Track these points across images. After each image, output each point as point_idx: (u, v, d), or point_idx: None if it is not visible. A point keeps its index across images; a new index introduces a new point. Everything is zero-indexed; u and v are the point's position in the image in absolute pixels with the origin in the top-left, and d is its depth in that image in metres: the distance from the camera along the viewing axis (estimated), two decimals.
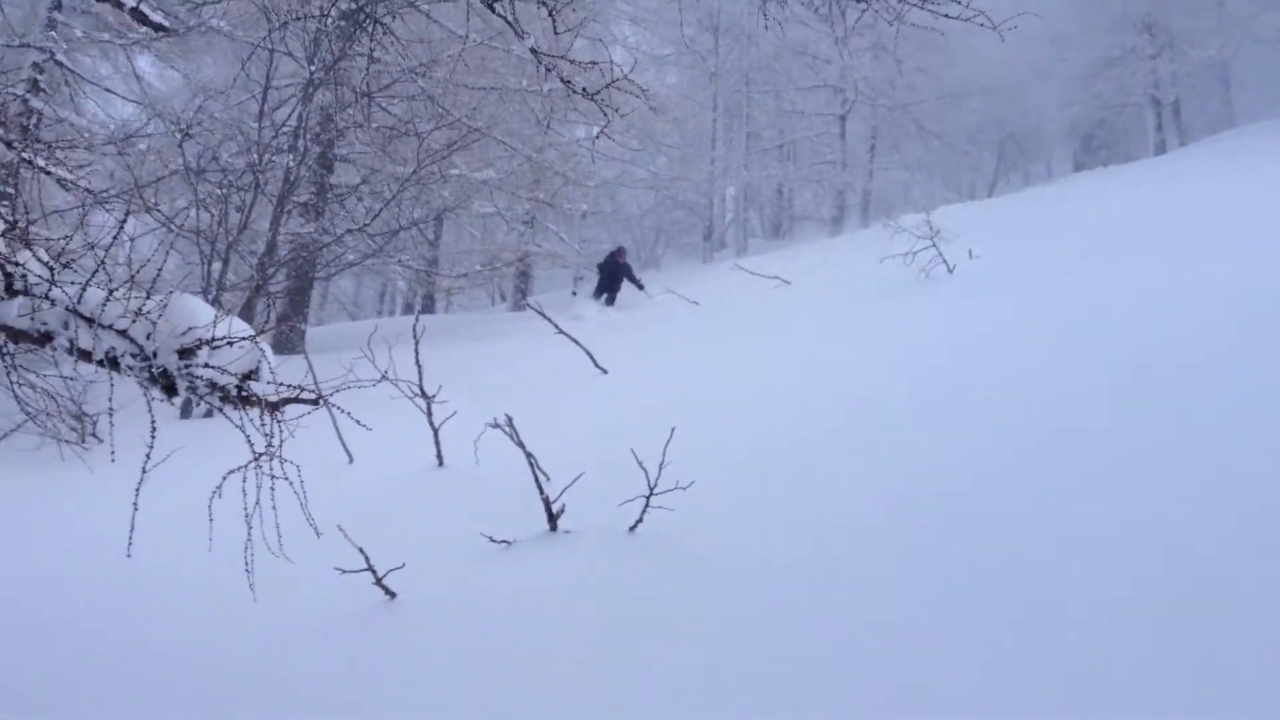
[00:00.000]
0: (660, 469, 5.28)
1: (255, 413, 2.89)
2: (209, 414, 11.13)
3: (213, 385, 2.83)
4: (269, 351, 2.94)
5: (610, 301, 20.13)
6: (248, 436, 2.87)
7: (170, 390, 2.82)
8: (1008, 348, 8.07)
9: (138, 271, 2.92)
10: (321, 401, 3.03)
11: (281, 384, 2.94)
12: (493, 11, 5.08)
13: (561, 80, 5.59)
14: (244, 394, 2.86)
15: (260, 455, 2.87)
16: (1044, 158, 57.41)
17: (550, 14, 5.36)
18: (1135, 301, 8.52)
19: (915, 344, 9.25)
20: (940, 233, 14.58)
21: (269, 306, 14.60)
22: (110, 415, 2.88)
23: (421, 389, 7.56)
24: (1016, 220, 19.49)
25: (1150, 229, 13.41)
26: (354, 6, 13.83)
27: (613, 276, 20.55)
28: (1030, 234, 16.48)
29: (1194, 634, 3.43)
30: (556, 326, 11.56)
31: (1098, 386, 6.31)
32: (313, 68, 14.47)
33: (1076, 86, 42.17)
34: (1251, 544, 3.89)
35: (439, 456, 7.38)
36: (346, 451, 8.03)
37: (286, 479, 2.88)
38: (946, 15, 5.53)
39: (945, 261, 14.06)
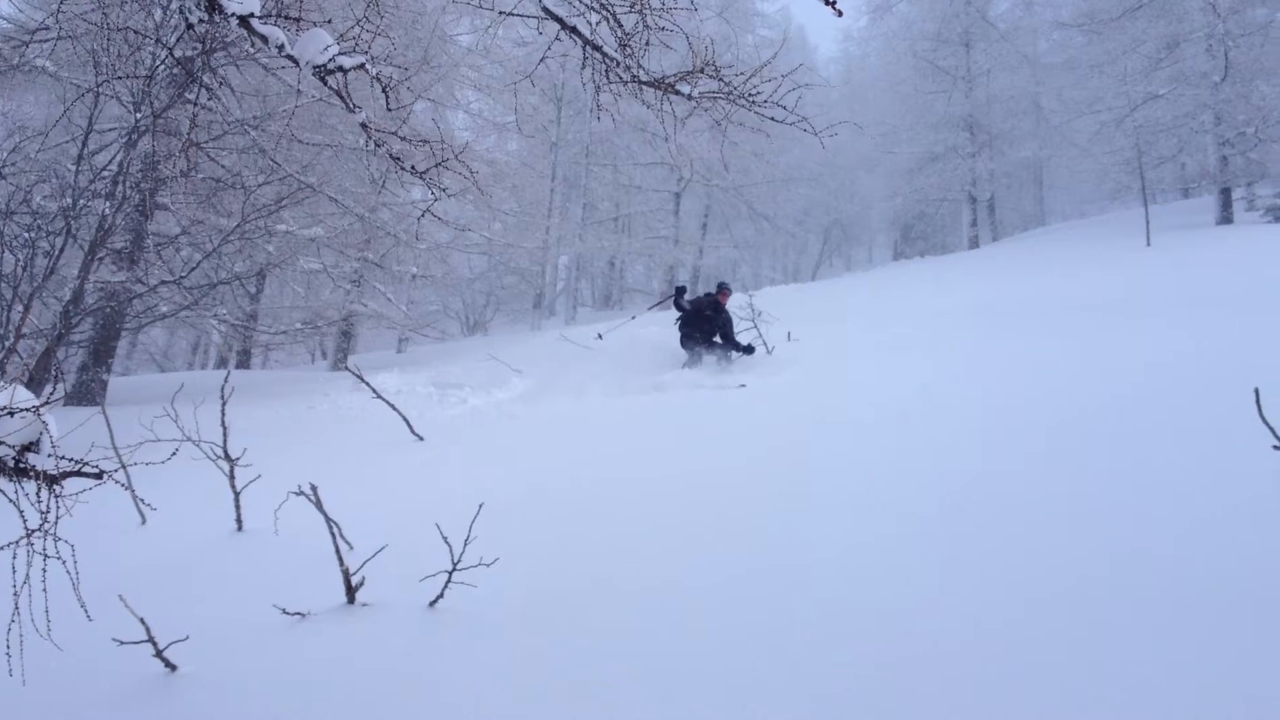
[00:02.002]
0: (465, 544, 5.27)
1: (33, 486, 2.80)
2: None
3: None
4: (52, 424, 2.86)
5: (726, 355, 14.71)
6: (21, 512, 2.79)
7: None
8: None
9: None
10: (106, 477, 2.95)
11: (64, 457, 2.87)
12: (324, 84, 5.03)
13: (391, 157, 5.59)
14: (21, 467, 2.77)
15: (34, 532, 2.78)
16: (866, 244, 59.91)
17: (384, 90, 5.37)
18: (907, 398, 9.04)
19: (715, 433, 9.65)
20: (762, 314, 15.05)
21: (57, 362, 13.95)
22: None
23: (225, 451, 7.38)
24: (836, 305, 20.23)
25: (950, 322, 14.23)
26: (187, 56, 13.53)
27: (710, 324, 14.91)
28: (847, 320, 17.16)
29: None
30: (374, 390, 11.43)
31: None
32: (139, 114, 14.07)
33: (900, 179, 44.19)
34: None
35: (239, 521, 7.19)
36: (139, 512, 7.74)
37: (60, 559, 2.80)
38: (772, 119, 5.74)
39: (765, 343, 14.50)
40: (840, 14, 4.33)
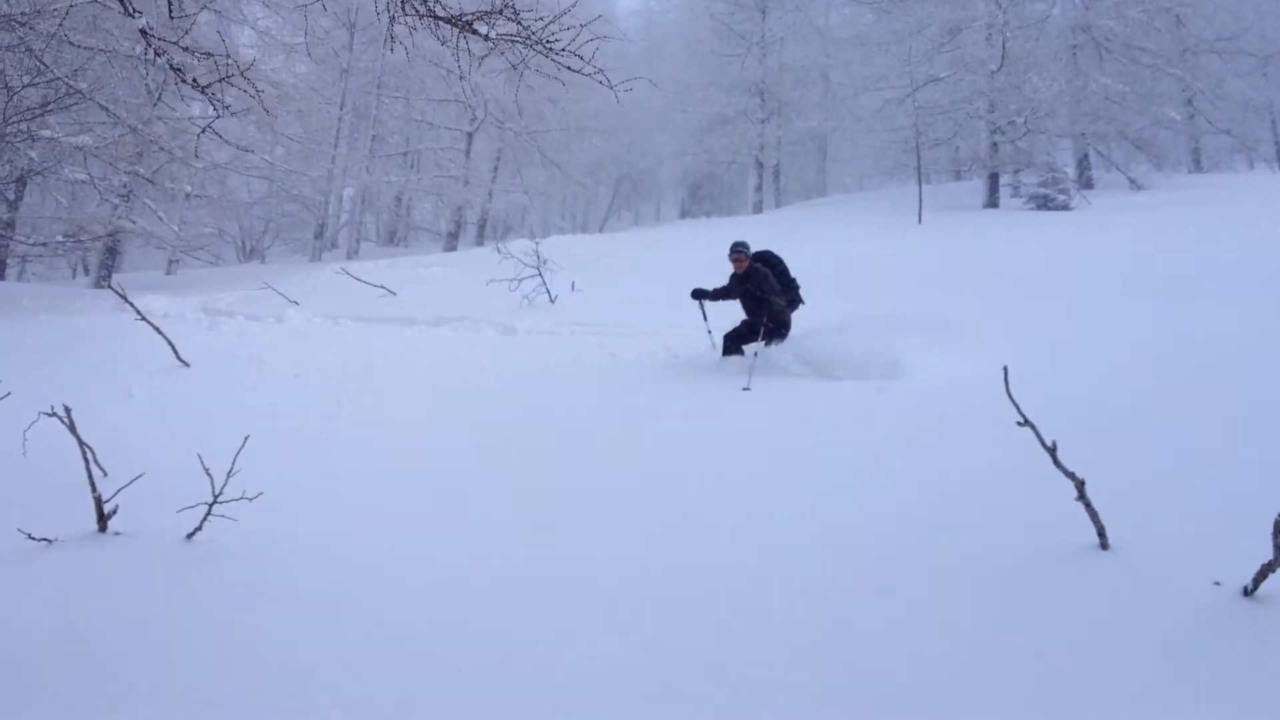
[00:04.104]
0: (229, 477, 5.15)
1: None
2: None
3: None
4: None
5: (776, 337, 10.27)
6: None
7: None
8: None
9: None
10: None
11: None
12: None
13: (171, 68, 5.33)
14: None
15: None
16: (655, 200, 60.68)
17: None
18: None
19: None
20: (547, 262, 15.08)
21: None
22: None
23: None
24: (622, 259, 20.43)
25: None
26: None
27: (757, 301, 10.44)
28: (630, 273, 17.41)
29: None
30: (138, 312, 10.95)
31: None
32: None
33: (691, 138, 44.79)
34: None
35: None
36: None
37: None
38: (569, 68, 5.72)
39: (549, 291, 14.55)
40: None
